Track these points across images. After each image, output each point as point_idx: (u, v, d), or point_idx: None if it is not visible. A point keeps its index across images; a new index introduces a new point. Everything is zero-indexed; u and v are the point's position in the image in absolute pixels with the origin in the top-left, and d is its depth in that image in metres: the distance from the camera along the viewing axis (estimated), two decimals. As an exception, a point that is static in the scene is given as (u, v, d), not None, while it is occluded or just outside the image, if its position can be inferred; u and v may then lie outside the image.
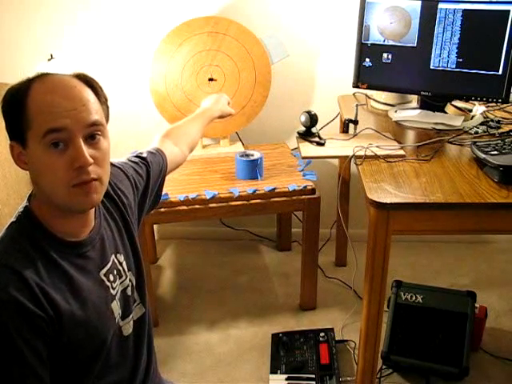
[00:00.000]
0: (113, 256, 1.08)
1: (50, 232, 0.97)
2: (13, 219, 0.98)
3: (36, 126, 0.90)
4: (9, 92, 0.95)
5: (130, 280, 1.13)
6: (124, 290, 1.11)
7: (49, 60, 2.14)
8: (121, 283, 1.10)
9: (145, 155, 1.30)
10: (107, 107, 1.02)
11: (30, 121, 0.91)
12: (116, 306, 1.07)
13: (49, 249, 0.96)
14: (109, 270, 1.06)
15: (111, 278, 1.06)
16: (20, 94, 0.92)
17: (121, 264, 1.10)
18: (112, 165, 1.12)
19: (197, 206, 1.97)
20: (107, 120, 1.01)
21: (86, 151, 0.92)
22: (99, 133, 0.95)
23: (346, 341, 2.02)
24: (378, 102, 2.10)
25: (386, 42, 1.90)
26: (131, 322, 1.13)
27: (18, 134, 0.93)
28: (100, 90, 1.00)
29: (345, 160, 1.73)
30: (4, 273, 0.89)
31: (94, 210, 1.04)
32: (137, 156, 1.29)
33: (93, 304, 1.00)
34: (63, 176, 0.91)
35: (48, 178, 0.93)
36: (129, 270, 1.13)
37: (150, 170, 1.27)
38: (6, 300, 0.87)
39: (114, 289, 1.07)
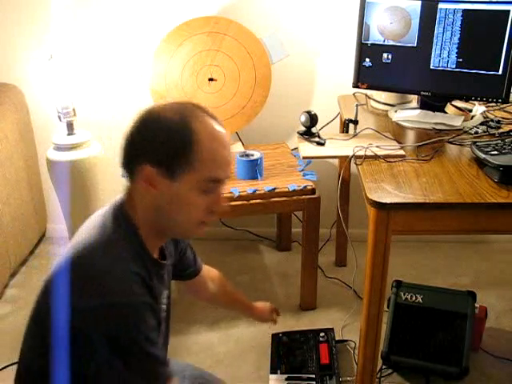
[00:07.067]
0: (167, 290, 1.16)
1: (146, 247, 1.01)
2: (111, 223, 0.98)
3: (199, 170, 0.94)
4: (168, 127, 0.94)
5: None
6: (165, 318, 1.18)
7: (49, 60, 2.14)
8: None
9: (193, 252, 1.42)
10: None
11: (194, 164, 0.93)
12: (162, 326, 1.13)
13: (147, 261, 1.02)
14: (163, 296, 1.13)
15: (163, 302, 1.14)
16: (184, 134, 0.93)
17: (167, 298, 1.17)
18: None
19: (197, 206, 1.97)
20: None
21: None
22: None
23: (346, 341, 2.02)
24: (378, 102, 2.10)
25: (386, 42, 1.90)
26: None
27: (168, 166, 0.94)
28: None
29: (345, 160, 1.73)
30: (133, 278, 0.95)
31: None
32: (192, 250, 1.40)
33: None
34: (200, 215, 0.99)
35: (185, 213, 0.98)
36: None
37: (183, 254, 1.35)
38: (143, 302, 0.94)
39: (162, 312, 1.13)
